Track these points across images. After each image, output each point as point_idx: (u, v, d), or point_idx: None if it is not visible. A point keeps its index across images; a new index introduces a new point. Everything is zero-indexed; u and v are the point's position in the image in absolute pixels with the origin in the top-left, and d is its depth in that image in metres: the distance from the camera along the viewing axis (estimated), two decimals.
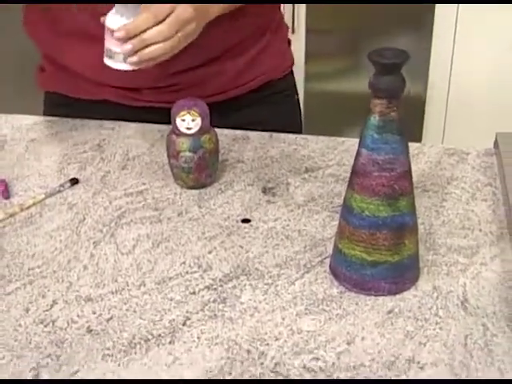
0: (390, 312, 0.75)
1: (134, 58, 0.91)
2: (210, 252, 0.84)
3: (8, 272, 0.82)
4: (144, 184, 0.98)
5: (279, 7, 1.22)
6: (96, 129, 1.13)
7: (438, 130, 2.16)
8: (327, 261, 0.82)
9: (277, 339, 0.71)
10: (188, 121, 0.92)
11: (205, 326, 0.73)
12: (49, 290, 0.78)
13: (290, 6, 2.08)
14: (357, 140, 0.74)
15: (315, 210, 0.92)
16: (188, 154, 0.93)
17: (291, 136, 1.10)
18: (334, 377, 0.67)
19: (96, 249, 0.85)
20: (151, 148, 1.07)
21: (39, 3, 1.10)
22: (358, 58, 2.21)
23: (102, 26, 0.98)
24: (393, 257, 0.75)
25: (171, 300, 0.77)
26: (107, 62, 0.94)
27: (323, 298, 0.77)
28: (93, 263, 0.83)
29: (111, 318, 0.74)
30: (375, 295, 0.77)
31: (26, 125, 1.15)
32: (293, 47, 1.25)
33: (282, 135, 1.10)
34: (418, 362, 0.68)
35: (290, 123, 1.25)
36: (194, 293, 0.78)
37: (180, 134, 0.93)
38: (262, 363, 0.69)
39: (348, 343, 0.71)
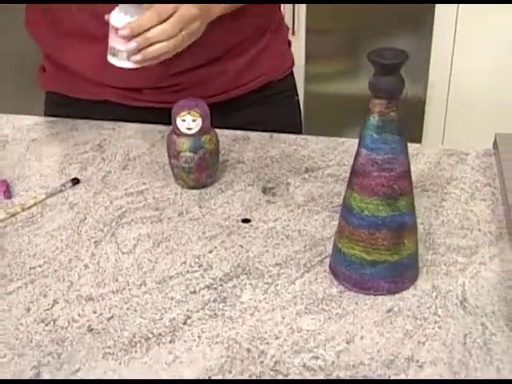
0: (389, 311, 0.75)
1: (138, 57, 0.91)
2: (210, 251, 0.85)
3: (9, 271, 0.82)
4: (145, 184, 0.99)
5: (279, 7, 1.23)
6: (97, 129, 1.13)
7: (437, 130, 2.17)
8: (327, 260, 0.82)
9: (277, 338, 0.72)
10: (188, 121, 0.92)
11: (205, 325, 0.74)
12: (50, 290, 0.79)
13: (291, 7, 2.08)
14: (357, 140, 0.75)
15: (315, 209, 0.92)
16: (188, 154, 0.94)
17: (291, 136, 1.10)
18: (334, 375, 0.67)
19: (97, 248, 0.86)
20: (152, 148, 1.08)
21: (40, 3, 1.10)
22: (358, 59, 2.22)
23: (102, 27, 0.98)
24: (392, 256, 0.76)
25: (172, 299, 0.77)
26: (111, 59, 0.94)
27: (323, 298, 0.77)
28: (94, 262, 0.83)
29: (112, 317, 0.75)
30: (374, 294, 0.77)
31: (27, 125, 1.15)
32: (293, 48, 1.26)
33: (282, 135, 1.10)
34: (417, 361, 0.69)
35: (290, 124, 1.25)
36: (194, 292, 0.78)
37: (180, 135, 0.93)
38: (261, 362, 0.69)
39: (347, 342, 0.71)
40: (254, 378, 0.67)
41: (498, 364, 0.68)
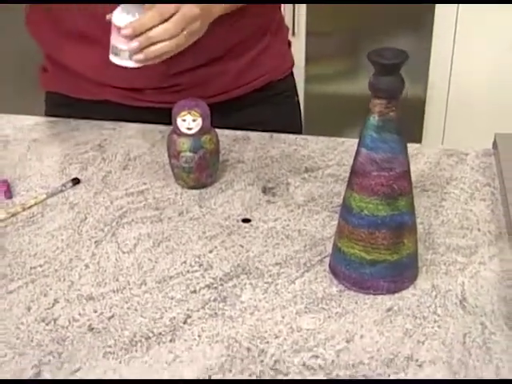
0: (388, 310, 0.75)
1: (140, 56, 0.92)
2: (210, 251, 0.85)
3: (10, 271, 0.82)
4: (145, 184, 0.99)
5: (279, 8, 1.23)
6: (97, 129, 1.13)
7: (437, 130, 2.17)
8: (327, 260, 0.82)
9: (277, 337, 0.72)
10: (189, 121, 0.92)
11: (205, 324, 0.74)
12: (50, 289, 0.79)
13: (291, 8, 2.09)
14: (356, 140, 0.75)
15: (315, 209, 0.92)
16: (189, 154, 0.94)
17: (291, 136, 1.10)
18: (334, 374, 0.68)
19: (97, 248, 0.86)
20: (152, 148, 1.08)
21: (40, 3, 1.10)
22: (358, 60, 2.22)
23: (102, 29, 0.98)
24: (392, 256, 0.76)
25: (172, 299, 0.77)
26: (113, 59, 0.94)
27: (323, 297, 0.77)
28: (94, 262, 0.83)
29: (112, 316, 0.75)
30: (374, 294, 0.77)
31: (28, 125, 1.16)
32: (293, 49, 1.26)
33: (283, 136, 1.11)
34: (417, 360, 0.69)
35: (291, 124, 1.25)
36: (194, 291, 0.78)
37: (181, 134, 0.94)
38: (261, 361, 0.69)
39: (347, 341, 0.71)
40: (254, 376, 0.67)
41: (498, 363, 0.68)
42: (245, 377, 0.67)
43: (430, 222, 0.89)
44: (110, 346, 0.71)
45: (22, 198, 0.96)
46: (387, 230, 0.75)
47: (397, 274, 0.77)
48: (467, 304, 0.76)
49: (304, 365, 0.69)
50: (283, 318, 0.74)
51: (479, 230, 0.88)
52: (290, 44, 1.26)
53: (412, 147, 1.02)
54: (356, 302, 0.76)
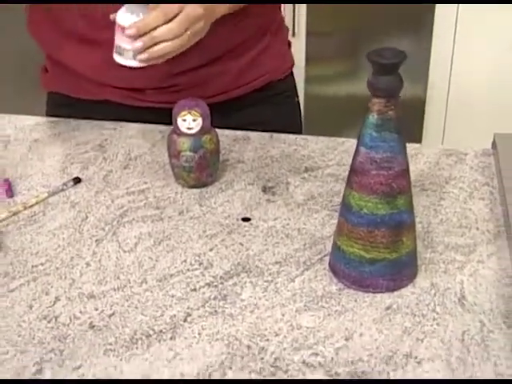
0: (388, 308, 0.76)
1: (144, 55, 0.92)
2: (210, 250, 0.85)
3: (12, 269, 0.83)
4: (145, 183, 0.99)
5: (279, 8, 1.23)
6: (98, 129, 1.14)
7: (437, 130, 2.17)
8: (326, 258, 0.83)
9: (276, 335, 0.72)
10: (189, 121, 0.93)
11: (205, 322, 0.74)
12: (52, 287, 0.80)
13: (291, 9, 2.09)
14: (356, 141, 0.75)
15: (315, 208, 0.93)
16: (189, 153, 0.94)
17: (291, 136, 1.11)
18: (333, 372, 0.68)
19: (98, 247, 0.86)
20: (152, 148, 1.09)
21: (40, 3, 1.11)
22: (358, 61, 2.23)
23: (102, 30, 0.99)
24: (391, 254, 0.76)
25: (172, 297, 0.78)
26: (116, 58, 0.95)
27: (322, 295, 0.78)
28: (95, 260, 0.84)
29: (113, 314, 0.76)
30: (373, 292, 0.78)
31: (29, 125, 1.16)
32: (293, 50, 1.27)
33: (283, 135, 1.11)
34: (416, 357, 0.69)
35: (291, 124, 1.26)
36: (194, 290, 0.79)
37: (181, 134, 0.94)
38: (262, 358, 0.70)
39: (346, 339, 0.72)
40: (253, 374, 0.68)
41: (496, 360, 0.69)
42: (245, 374, 0.68)
43: (429, 221, 0.90)
44: (110, 344, 0.72)
45: (24, 197, 0.97)
46: (386, 229, 0.75)
47: (396, 272, 0.77)
48: (466, 302, 0.76)
49: (304, 362, 0.69)
50: (283, 315, 0.75)
51: (478, 228, 0.88)
52: (289, 44, 1.26)
53: (412, 147, 1.03)
54: (355, 300, 0.77)
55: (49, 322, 0.75)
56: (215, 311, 0.76)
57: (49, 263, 0.84)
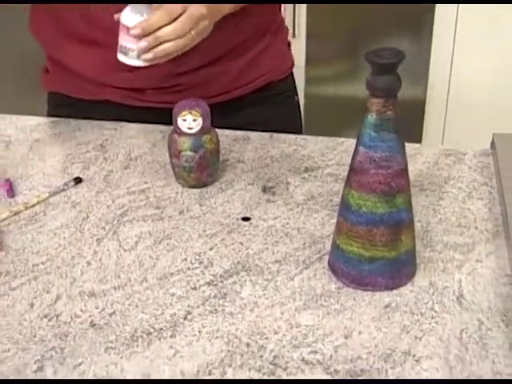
0: (386, 307, 0.76)
1: (149, 55, 0.93)
2: (210, 249, 0.86)
3: (13, 268, 0.83)
4: (146, 183, 1.00)
5: (279, 8, 1.24)
6: (99, 129, 1.14)
7: (437, 130, 2.18)
8: (326, 257, 0.83)
9: (276, 333, 0.73)
10: (189, 121, 0.93)
11: (205, 320, 0.75)
12: (53, 286, 0.80)
13: (291, 10, 2.10)
14: (355, 141, 0.76)
15: (314, 208, 0.93)
16: (189, 153, 0.95)
17: (291, 136, 1.11)
18: (332, 369, 0.68)
19: (99, 246, 0.87)
20: (153, 148, 1.09)
21: (40, 3, 1.12)
22: (358, 62, 2.23)
23: (102, 31, 1.00)
24: (390, 253, 0.77)
25: (173, 295, 0.78)
26: (121, 58, 0.96)
27: (321, 294, 0.78)
28: (96, 259, 0.84)
29: (114, 312, 0.76)
30: (372, 290, 0.78)
31: (30, 125, 1.17)
32: (293, 51, 1.27)
33: (282, 136, 1.12)
34: (414, 355, 0.70)
35: (291, 124, 1.26)
36: (194, 288, 0.79)
37: (181, 134, 0.95)
38: (261, 356, 0.70)
39: (345, 337, 0.72)
40: (253, 371, 0.68)
41: (494, 358, 0.69)
42: (244, 371, 0.68)
43: (428, 221, 0.90)
44: (111, 342, 0.72)
45: (25, 196, 0.97)
46: (385, 228, 0.76)
47: (395, 270, 0.78)
48: (464, 301, 0.77)
49: (303, 360, 0.70)
50: (282, 314, 0.75)
51: (476, 228, 0.88)
52: (289, 45, 1.27)
53: (411, 147, 1.03)
54: (354, 299, 0.77)
55: (50, 320, 0.75)
56: (215, 309, 0.76)
57: (50, 262, 0.84)
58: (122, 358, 0.70)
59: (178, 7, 0.92)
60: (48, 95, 1.25)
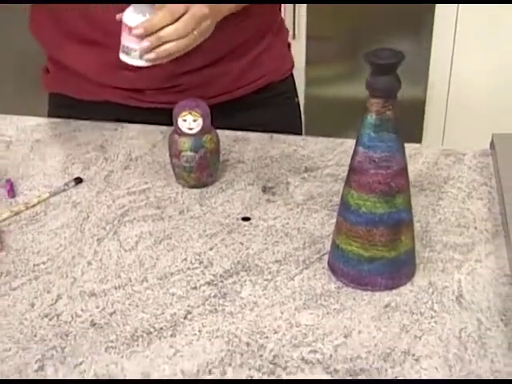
0: (386, 306, 0.76)
1: (151, 55, 0.93)
2: (210, 249, 0.86)
3: (14, 268, 0.83)
4: (146, 183, 1.00)
5: (280, 8, 1.24)
6: (99, 130, 1.15)
7: (437, 130, 2.18)
8: (326, 257, 0.83)
9: (276, 332, 0.73)
10: (189, 121, 0.94)
11: (205, 319, 0.75)
12: (53, 286, 0.80)
13: (291, 11, 2.10)
14: (355, 141, 0.76)
15: (314, 208, 0.94)
16: (189, 153, 0.95)
17: (291, 137, 1.12)
18: (331, 368, 0.69)
19: (100, 246, 0.87)
20: (153, 148, 1.09)
21: (40, 3, 1.12)
22: (358, 63, 2.23)
23: (102, 31, 1.00)
24: (389, 253, 0.77)
25: (173, 295, 0.79)
26: (123, 58, 0.96)
27: (321, 293, 0.78)
28: (96, 259, 0.85)
29: (114, 312, 0.76)
30: (372, 290, 0.78)
31: (31, 126, 1.17)
32: (293, 52, 1.27)
33: (282, 136, 1.12)
34: (413, 355, 0.70)
35: (291, 125, 1.26)
36: (195, 288, 0.80)
37: (182, 134, 0.95)
38: (261, 355, 0.70)
39: (345, 336, 0.72)
40: (253, 371, 0.69)
41: (493, 357, 0.69)
42: (244, 371, 0.69)
43: (428, 221, 0.90)
44: (111, 341, 0.72)
45: (26, 197, 0.98)
46: (385, 228, 0.76)
47: (394, 270, 0.78)
48: (463, 300, 0.77)
49: (302, 359, 0.70)
50: (282, 313, 0.76)
51: (476, 228, 0.89)
52: (289, 46, 1.27)
53: (410, 147, 1.04)
54: (354, 299, 0.78)
55: (50, 319, 0.75)
56: (215, 309, 0.76)
57: (50, 262, 0.84)
58: (122, 357, 0.70)
59: (181, 7, 0.92)
60: (49, 96, 1.25)
